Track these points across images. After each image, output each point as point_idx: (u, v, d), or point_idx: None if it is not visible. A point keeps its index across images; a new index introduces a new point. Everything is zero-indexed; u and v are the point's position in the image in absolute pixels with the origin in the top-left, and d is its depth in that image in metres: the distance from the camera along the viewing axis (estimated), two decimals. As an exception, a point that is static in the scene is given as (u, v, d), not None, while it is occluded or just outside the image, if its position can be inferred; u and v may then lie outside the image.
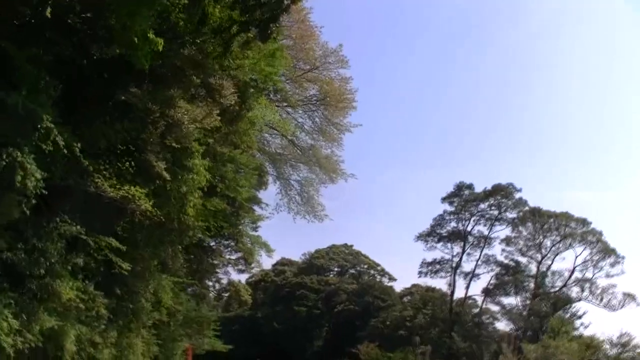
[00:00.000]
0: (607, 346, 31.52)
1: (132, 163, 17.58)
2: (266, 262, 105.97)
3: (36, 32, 15.02)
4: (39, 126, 13.61)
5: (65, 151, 14.72)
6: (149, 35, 14.55)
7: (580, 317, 61.90)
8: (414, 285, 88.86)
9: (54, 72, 15.92)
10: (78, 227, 16.57)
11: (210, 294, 65.53)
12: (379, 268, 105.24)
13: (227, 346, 66.21)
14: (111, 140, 16.95)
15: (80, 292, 17.81)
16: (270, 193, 48.81)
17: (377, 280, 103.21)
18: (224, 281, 59.07)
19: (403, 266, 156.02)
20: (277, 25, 19.36)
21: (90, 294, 18.75)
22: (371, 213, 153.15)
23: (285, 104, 39.11)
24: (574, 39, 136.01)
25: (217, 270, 53.08)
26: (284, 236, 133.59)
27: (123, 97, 16.54)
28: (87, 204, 18.04)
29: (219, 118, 19.66)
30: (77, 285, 17.67)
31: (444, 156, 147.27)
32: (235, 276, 64.55)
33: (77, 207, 17.62)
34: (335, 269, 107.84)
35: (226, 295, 73.01)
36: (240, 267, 55.03)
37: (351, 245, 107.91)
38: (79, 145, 14.95)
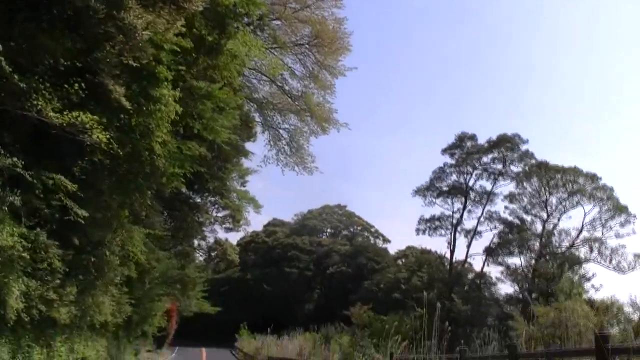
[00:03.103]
0: (629, 309, 28.87)
1: (83, 85, 14.58)
2: (257, 223, 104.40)
3: None
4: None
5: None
6: None
7: (589, 279, 59.22)
8: (408, 248, 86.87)
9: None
10: (15, 159, 13.66)
11: (200, 255, 63.56)
12: (372, 229, 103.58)
13: (215, 308, 64.48)
14: (56, 56, 13.96)
15: (24, 239, 14.97)
16: (259, 146, 46.44)
17: (371, 242, 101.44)
18: (211, 240, 56.82)
19: (398, 229, 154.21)
20: None
21: (40, 243, 15.96)
22: (365, 175, 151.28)
23: (274, 45, 36.29)
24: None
25: (204, 228, 51.01)
26: (275, 197, 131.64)
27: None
28: (30, 134, 15.23)
29: (184, 30, 16.69)
30: (20, 232, 14.83)
31: (445, 112, 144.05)
32: (222, 235, 62.68)
33: (17, 137, 14.76)
34: (328, 230, 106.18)
35: (211, 254, 70.92)
36: (227, 225, 53.03)
37: (345, 206, 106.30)
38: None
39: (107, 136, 15.29)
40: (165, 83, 18.12)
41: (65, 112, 14.11)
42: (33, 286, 15.74)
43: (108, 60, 15.22)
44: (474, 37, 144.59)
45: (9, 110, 13.78)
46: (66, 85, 14.40)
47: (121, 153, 17.23)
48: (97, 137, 14.79)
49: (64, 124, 14.01)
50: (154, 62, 17.59)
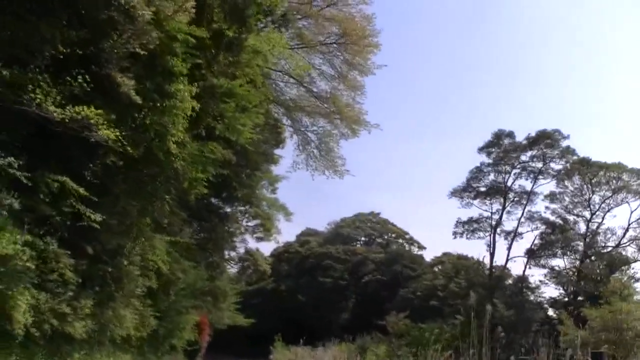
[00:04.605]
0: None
1: (87, 77, 13.33)
2: (290, 234, 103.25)
3: None
4: None
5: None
6: None
7: (638, 280, 56.46)
8: (444, 254, 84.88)
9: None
10: (11, 159, 12.40)
11: (231, 266, 62.67)
12: (407, 236, 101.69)
13: (248, 320, 63.50)
14: (55, 45, 12.74)
15: (30, 248, 13.79)
16: (288, 152, 45.57)
17: (406, 249, 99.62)
18: (241, 250, 55.82)
19: (433, 236, 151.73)
20: None
21: (49, 252, 14.82)
22: (398, 181, 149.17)
23: (301, 44, 35.11)
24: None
25: (234, 238, 49.97)
26: (308, 207, 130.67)
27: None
28: (33, 132, 13.99)
29: (194, 10, 15.34)
30: (24, 240, 13.64)
31: (481, 113, 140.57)
32: (254, 245, 61.60)
33: (16, 135, 13.53)
34: (362, 239, 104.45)
35: (244, 265, 70.02)
36: (258, 234, 51.99)
37: (378, 214, 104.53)
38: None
39: (116, 134, 14.05)
40: (181, 78, 16.93)
41: (67, 107, 12.90)
42: (43, 299, 14.60)
43: (115, 50, 13.99)
44: (510, 34, 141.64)
45: (3, 104, 12.55)
46: (68, 78, 13.20)
47: (135, 154, 16.11)
48: (105, 134, 13.56)
49: (66, 119, 12.77)
50: (168, 55, 16.44)
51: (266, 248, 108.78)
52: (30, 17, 12.87)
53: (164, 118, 16.77)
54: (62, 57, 12.91)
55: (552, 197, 64.64)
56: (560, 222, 64.15)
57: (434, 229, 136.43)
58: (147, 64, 15.75)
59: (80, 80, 13.25)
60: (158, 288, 24.86)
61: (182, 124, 17.14)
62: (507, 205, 65.24)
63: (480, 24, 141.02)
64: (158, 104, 16.43)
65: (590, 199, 62.55)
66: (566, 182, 63.49)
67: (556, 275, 62.42)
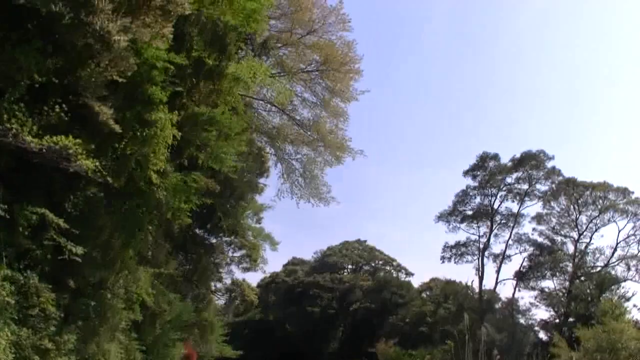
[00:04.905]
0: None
1: (64, 107, 13.13)
2: (277, 264, 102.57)
3: None
4: None
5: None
6: None
7: (628, 299, 56.45)
8: (432, 280, 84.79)
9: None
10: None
11: (218, 297, 61.96)
12: (394, 263, 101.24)
13: (236, 352, 62.73)
14: (30, 74, 12.53)
15: (10, 282, 13.51)
16: (272, 180, 45.23)
17: (394, 275, 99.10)
18: (228, 281, 55.19)
19: (420, 262, 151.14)
20: None
21: (30, 286, 14.51)
22: (383, 208, 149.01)
23: (282, 72, 35.07)
24: None
25: (220, 270, 49.41)
26: (293, 237, 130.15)
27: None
28: (12, 165, 13.73)
29: (172, 36, 15.14)
30: (4, 274, 13.37)
31: (465, 139, 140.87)
32: (240, 275, 61.08)
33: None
34: (349, 266, 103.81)
35: (232, 296, 69.21)
36: (245, 264, 51.37)
37: (364, 241, 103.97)
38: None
39: (96, 164, 13.82)
40: (161, 106, 16.73)
41: (45, 137, 12.66)
42: (24, 335, 14.25)
43: (93, 78, 13.78)
44: (497, 59, 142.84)
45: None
46: (45, 107, 12.98)
47: (117, 185, 15.87)
48: (84, 164, 13.31)
49: (44, 149, 12.53)
50: (147, 83, 16.26)
51: (253, 278, 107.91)
52: (5, 45, 12.68)
53: (144, 147, 16.55)
54: (38, 85, 12.71)
55: (539, 218, 64.74)
56: (548, 243, 64.07)
57: (422, 255, 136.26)
58: (126, 92, 15.56)
59: (57, 110, 13.06)
60: (143, 321, 24.39)
61: (163, 153, 16.92)
62: (494, 228, 65.28)
63: (467, 51, 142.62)
64: (138, 133, 16.22)
65: (577, 219, 62.73)
66: (552, 203, 63.68)
67: (546, 297, 62.20)
